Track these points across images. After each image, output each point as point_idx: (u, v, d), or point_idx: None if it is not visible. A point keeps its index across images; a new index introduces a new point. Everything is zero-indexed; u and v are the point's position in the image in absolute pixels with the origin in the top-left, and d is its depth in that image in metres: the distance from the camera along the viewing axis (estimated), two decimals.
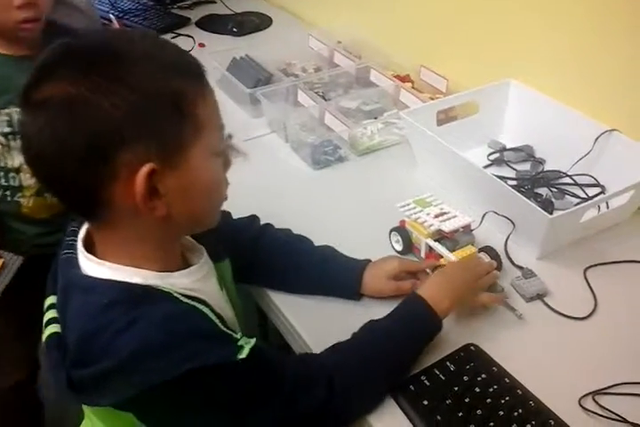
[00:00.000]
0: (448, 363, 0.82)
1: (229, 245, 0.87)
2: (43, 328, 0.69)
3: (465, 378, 0.80)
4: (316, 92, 1.44)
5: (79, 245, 0.70)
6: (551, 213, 0.98)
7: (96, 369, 0.60)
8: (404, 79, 1.47)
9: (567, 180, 1.16)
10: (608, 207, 1.05)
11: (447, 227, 0.94)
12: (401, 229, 1.01)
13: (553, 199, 1.11)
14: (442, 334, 0.86)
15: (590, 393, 0.79)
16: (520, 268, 0.98)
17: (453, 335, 0.87)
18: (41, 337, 0.69)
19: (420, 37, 1.54)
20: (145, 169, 0.59)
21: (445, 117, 1.28)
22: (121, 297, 0.63)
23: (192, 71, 0.64)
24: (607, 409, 0.77)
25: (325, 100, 1.42)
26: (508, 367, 0.82)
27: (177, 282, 0.69)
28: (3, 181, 1.14)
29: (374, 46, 1.61)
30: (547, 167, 1.21)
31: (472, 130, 1.26)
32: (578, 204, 1.10)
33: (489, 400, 0.77)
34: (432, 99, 1.36)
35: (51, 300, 0.71)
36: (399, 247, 1.02)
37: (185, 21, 1.99)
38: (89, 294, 0.64)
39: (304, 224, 1.03)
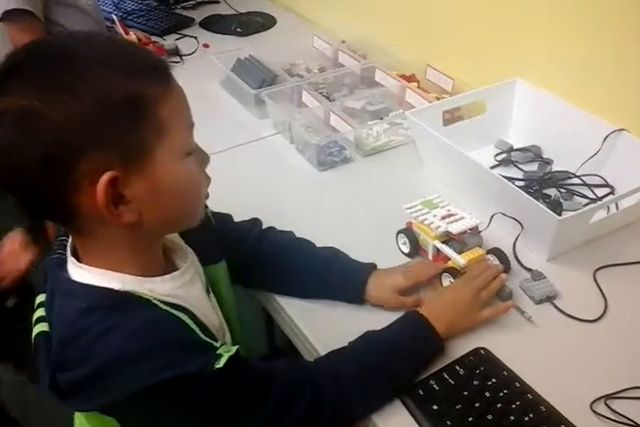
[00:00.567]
0: (457, 367, 0.81)
1: (231, 249, 0.86)
2: (32, 326, 0.69)
3: (475, 382, 0.79)
4: (320, 93, 1.43)
5: (68, 246, 0.70)
6: (560, 215, 0.97)
7: (73, 375, 0.61)
8: (409, 79, 1.46)
9: (576, 180, 1.15)
10: (618, 208, 1.04)
11: (455, 229, 0.93)
12: (408, 231, 1.00)
13: (562, 200, 1.09)
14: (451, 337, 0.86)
15: (602, 397, 0.78)
16: (529, 270, 0.97)
17: (463, 339, 0.86)
18: None
19: (426, 37, 1.53)
20: (105, 178, 0.58)
21: (452, 117, 1.27)
22: (98, 303, 0.63)
23: (151, 72, 0.61)
24: (619, 414, 0.76)
25: (330, 100, 1.41)
26: (518, 371, 0.81)
27: (157, 288, 0.68)
28: None
29: (379, 46, 1.60)
30: (555, 168, 1.20)
31: (479, 130, 1.25)
32: (587, 204, 1.09)
33: (499, 405, 0.76)
34: (438, 99, 1.35)
35: (40, 298, 0.71)
36: (406, 249, 1.01)
37: (189, 22, 1.98)
38: (69, 298, 0.65)
39: (309, 226, 1.03)
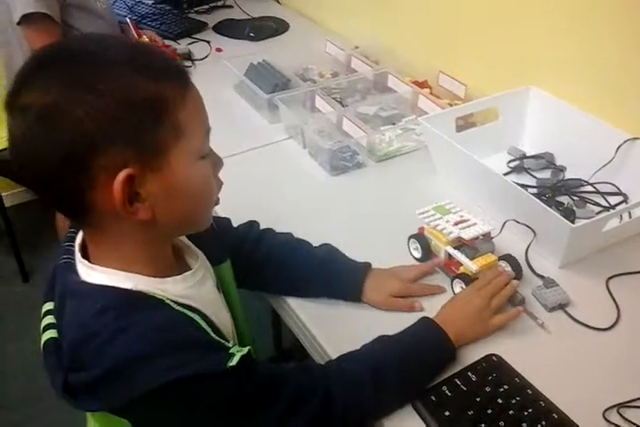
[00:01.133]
0: (470, 373, 0.81)
1: (231, 254, 0.87)
2: (40, 334, 0.70)
3: (487, 389, 0.79)
4: (333, 98, 1.44)
5: (76, 249, 0.70)
6: (573, 222, 0.97)
7: (87, 376, 0.61)
8: (422, 85, 1.47)
9: (588, 188, 1.15)
10: (630, 216, 1.03)
11: (467, 234, 0.93)
12: (420, 237, 1.00)
13: (574, 208, 1.09)
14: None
15: (615, 406, 0.78)
16: (541, 277, 0.97)
17: (474, 345, 0.86)
18: None
19: (439, 43, 1.53)
20: (122, 175, 0.59)
21: (464, 124, 1.28)
22: (112, 303, 0.63)
23: (171, 75, 0.63)
24: (632, 423, 0.76)
25: (343, 105, 1.42)
26: (530, 378, 0.81)
27: (169, 288, 0.68)
28: None
29: (392, 52, 1.61)
30: (567, 175, 1.20)
31: (491, 137, 1.25)
32: (599, 212, 1.09)
33: (511, 412, 0.76)
34: (450, 105, 1.35)
35: (47, 306, 0.71)
36: (418, 255, 1.01)
37: (202, 26, 2.00)
38: (81, 300, 0.65)
39: (321, 231, 1.03)
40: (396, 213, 1.12)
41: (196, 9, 2.13)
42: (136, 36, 1.75)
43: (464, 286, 0.92)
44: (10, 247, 2.25)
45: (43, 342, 0.69)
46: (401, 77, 1.47)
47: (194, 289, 0.72)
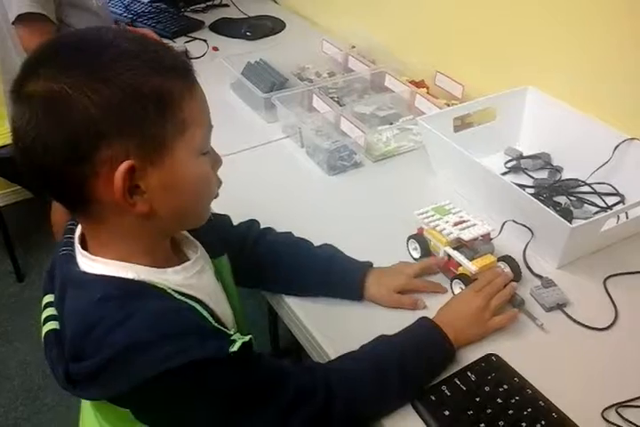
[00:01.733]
0: (469, 373, 0.82)
1: (231, 252, 0.87)
2: (41, 326, 0.70)
3: (486, 389, 0.79)
4: (330, 97, 1.44)
5: (75, 241, 0.70)
6: (570, 222, 0.97)
7: (90, 364, 0.61)
8: (419, 85, 1.47)
9: (586, 188, 1.16)
10: (627, 217, 1.04)
11: (466, 235, 0.93)
12: (419, 237, 1.00)
13: (572, 208, 1.10)
14: None
15: (613, 405, 0.78)
16: (539, 277, 0.97)
17: (474, 345, 0.86)
18: None
19: (436, 43, 1.53)
20: (124, 166, 0.59)
21: (462, 124, 1.28)
22: (114, 292, 0.64)
23: (177, 70, 0.63)
24: (631, 422, 0.76)
25: (340, 105, 1.42)
26: (529, 378, 0.81)
27: (170, 278, 0.69)
28: None
29: (389, 51, 1.61)
30: (564, 175, 1.21)
31: (489, 137, 1.25)
32: (597, 213, 1.10)
33: (511, 411, 0.77)
34: (448, 105, 1.35)
35: (48, 298, 0.72)
36: (417, 255, 1.01)
37: (198, 25, 1.99)
38: (83, 290, 0.65)
39: (319, 230, 1.03)
40: (393, 212, 1.12)
41: (192, 7, 2.12)
42: None
43: (463, 287, 0.92)
44: (4, 247, 2.24)
45: (43, 333, 0.69)
46: (398, 77, 1.47)
47: (194, 279, 0.73)
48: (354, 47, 1.67)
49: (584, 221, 0.94)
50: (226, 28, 1.97)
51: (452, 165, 1.16)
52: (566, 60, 1.21)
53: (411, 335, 0.83)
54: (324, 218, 1.13)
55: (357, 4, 1.78)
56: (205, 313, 0.68)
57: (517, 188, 1.01)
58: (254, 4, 2.13)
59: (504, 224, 1.02)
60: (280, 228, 1.01)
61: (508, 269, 0.95)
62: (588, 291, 0.96)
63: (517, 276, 0.95)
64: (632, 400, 0.79)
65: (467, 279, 0.92)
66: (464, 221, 0.96)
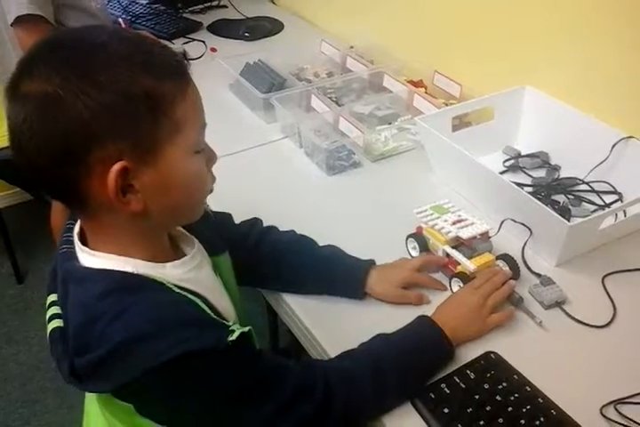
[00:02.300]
0: (468, 371, 0.82)
1: (232, 248, 0.87)
2: (46, 325, 0.70)
3: (485, 386, 0.80)
4: (329, 98, 1.44)
5: (75, 238, 0.71)
6: (568, 221, 0.98)
7: (92, 357, 0.62)
8: (417, 84, 1.47)
9: (584, 186, 1.16)
10: (625, 215, 1.04)
11: (465, 234, 0.94)
12: (418, 236, 1.01)
13: (570, 206, 1.10)
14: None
15: (612, 402, 0.78)
16: (538, 275, 0.98)
17: (473, 343, 0.87)
18: None
19: (434, 43, 1.54)
20: (116, 167, 0.60)
21: (460, 123, 1.29)
22: (114, 286, 0.65)
23: (170, 69, 0.64)
24: (629, 419, 0.77)
25: (339, 105, 1.42)
26: (528, 375, 0.81)
27: (169, 273, 0.70)
28: None
29: (387, 51, 1.61)
30: (562, 174, 1.21)
31: (487, 136, 1.26)
32: (594, 211, 1.10)
33: (510, 409, 0.77)
34: (446, 104, 1.36)
35: (52, 297, 0.72)
36: (416, 254, 1.01)
37: (197, 26, 2.00)
38: (84, 284, 0.66)
39: (319, 230, 1.03)
40: (392, 212, 1.13)
41: (190, 9, 2.13)
42: None
43: (462, 285, 0.93)
44: (4, 249, 2.24)
45: (48, 331, 0.70)
46: (396, 77, 1.47)
47: (193, 273, 0.73)
48: (352, 47, 1.68)
49: (582, 220, 0.95)
50: (224, 29, 1.98)
51: (451, 165, 1.17)
52: (564, 60, 1.22)
53: (409, 334, 0.83)
54: (323, 218, 1.13)
55: (355, 5, 1.78)
56: (205, 306, 0.69)
57: (516, 186, 1.01)
58: (252, 5, 2.14)
59: (502, 223, 1.02)
60: (279, 228, 1.01)
61: (506, 268, 0.96)
62: (586, 289, 0.97)
63: (516, 274, 0.96)
64: (630, 397, 0.79)
65: (465, 278, 0.92)
66: (462, 220, 0.97)
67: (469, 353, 0.85)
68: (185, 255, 0.75)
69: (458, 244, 0.96)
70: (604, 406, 0.78)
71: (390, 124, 1.37)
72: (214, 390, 0.66)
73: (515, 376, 0.81)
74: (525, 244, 1.02)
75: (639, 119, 1.11)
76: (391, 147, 1.33)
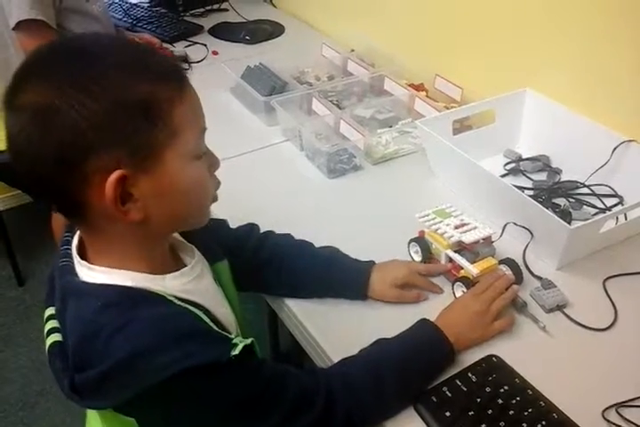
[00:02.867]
0: (470, 374, 0.82)
1: (231, 256, 0.87)
2: (44, 339, 0.70)
3: (487, 389, 0.80)
4: (330, 101, 1.45)
5: (73, 252, 0.70)
6: (570, 224, 0.98)
7: (94, 372, 0.61)
8: (418, 88, 1.48)
9: (584, 190, 1.16)
10: (626, 218, 1.04)
11: (468, 238, 0.94)
12: (420, 240, 1.01)
13: (571, 210, 1.10)
14: None
15: (614, 405, 0.78)
16: (539, 278, 0.98)
17: (474, 347, 0.87)
18: None
19: (435, 46, 1.54)
20: (114, 176, 0.59)
21: (461, 127, 1.29)
22: (113, 300, 0.64)
23: (166, 75, 0.63)
24: (631, 422, 0.77)
25: (340, 108, 1.42)
26: (529, 379, 0.81)
27: (169, 284, 0.69)
28: None
29: (388, 55, 1.61)
30: (563, 177, 1.21)
31: (488, 139, 1.26)
32: (595, 214, 1.10)
33: (512, 412, 0.77)
34: (447, 108, 1.36)
35: (49, 311, 0.71)
36: (418, 258, 1.01)
37: (198, 29, 2.00)
38: (83, 299, 0.65)
39: (319, 233, 1.03)
40: (394, 215, 1.13)
41: (191, 12, 2.13)
42: None
43: (465, 290, 0.92)
44: (4, 251, 2.24)
45: (47, 346, 0.69)
46: (397, 80, 1.48)
47: (193, 284, 0.73)
48: (353, 51, 1.68)
49: (583, 223, 0.95)
50: (225, 32, 1.98)
51: (452, 168, 1.17)
52: (565, 63, 1.22)
53: (410, 338, 0.83)
54: (324, 221, 1.13)
55: (356, 8, 1.79)
56: (206, 318, 0.68)
57: (517, 190, 1.01)
58: (253, 9, 2.14)
59: (505, 227, 1.02)
60: (280, 231, 1.01)
61: (509, 272, 0.96)
62: (587, 292, 0.97)
63: (519, 278, 0.96)
64: (632, 400, 0.79)
65: (468, 282, 0.92)
66: (465, 224, 0.97)
67: (471, 356, 0.85)
68: (185, 265, 0.75)
69: (460, 248, 0.96)
70: (605, 409, 0.78)
71: (391, 127, 1.37)
72: (218, 403, 0.65)
73: (516, 380, 0.81)
74: (527, 247, 1.02)
75: None
76: (392, 150, 1.33)
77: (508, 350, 0.86)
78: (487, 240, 0.96)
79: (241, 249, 0.94)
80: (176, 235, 0.79)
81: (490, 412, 0.77)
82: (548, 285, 0.95)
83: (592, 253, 1.03)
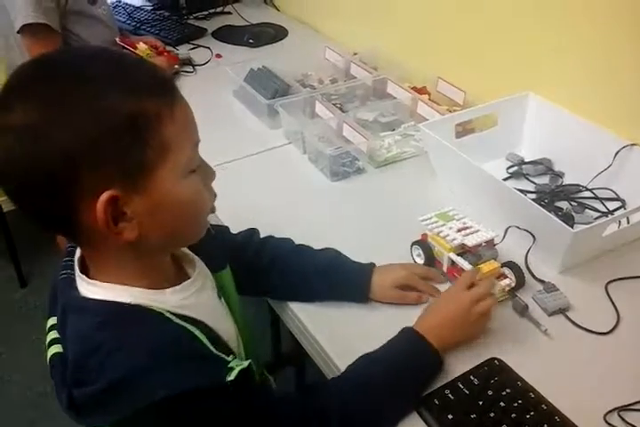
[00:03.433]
0: (472, 377, 0.82)
1: (232, 261, 0.87)
2: (46, 349, 0.70)
3: (489, 392, 0.80)
4: (333, 104, 1.45)
5: (75, 265, 0.70)
6: (572, 228, 0.98)
7: (89, 390, 0.61)
8: (420, 91, 1.48)
9: (587, 193, 1.16)
10: (629, 222, 1.05)
11: (470, 241, 0.94)
12: (422, 243, 1.01)
13: (573, 213, 1.10)
14: (465, 347, 0.87)
15: (616, 409, 0.79)
16: (542, 282, 0.98)
17: (476, 349, 0.87)
18: None
19: (437, 49, 1.55)
20: (104, 196, 0.58)
21: (463, 130, 1.29)
22: (111, 318, 0.63)
23: (154, 89, 0.61)
24: (633, 426, 0.77)
25: (343, 111, 1.43)
26: (531, 382, 0.82)
27: (168, 300, 0.68)
28: None
29: (390, 58, 1.62)
30: (566, 181, 1.21)
31: (490, 143, 1.26)
32: (598, 218, 1.11)
33: (514, 415, 0.77)
34: (449, 111, 1.36)
35: (52, 321, 0.71)
36: (420, 261, 1.02)
37: (201, 32, 2.01)
38: (82, 315, 0.65)
39: (322, 236, 1.04)
40: (396, 218, 1.13)
41: (195, 15, 2.14)
42: (132, 48, 1.75)
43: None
44: (8, 252, 2.25)
45: (49, 357, 0.69)
46: (400, 84, 1.48)
47: (193, 298, 0.72)
48: (356, 54, 1.69)
49: (585, 226, 0.95)
50: (229, 35, 1.99)
51: (455, 171, 1.17)
52: (567, 67, 1.23)
53: (396, 351, 0.82)
54: (326, 224, 1.14)
55: (359, 12, 1.79)
56: (204, 338, 0.67)
57: (519, 193, 1.01)
58: (256, 12, 2.15)
59: (507, 230, 1.03)
60: (283, 234, 1.02)
61: (511, 275, 0.96)
62: (589, 295, 0.97)
63: (521, 282, 0.96)
64: (634, 404, 0.79)
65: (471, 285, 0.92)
66: (467, 228, 0.97)
67: (473, 359, 0.85)
68: (188, 276, 0.74)
69: (463, 251, 0.96)
70: (607, 412, 0.78)
71: (394, 130, 1.38)
72: (211, 425, 0.64)
73: (518, 383, 0.82)
74: (529, 250, 1.02)
75: None
76: (395, 153, 1.33)
77: (511, 354, 0.86)
78: (489, 243, 0.96)
79: (242, 254, 0.95)
80: None
81: (492, 415, 0.77)
82: (550, 288, 0.95)
83: (594, 257, 1.03)
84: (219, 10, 2.17)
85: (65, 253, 0.73)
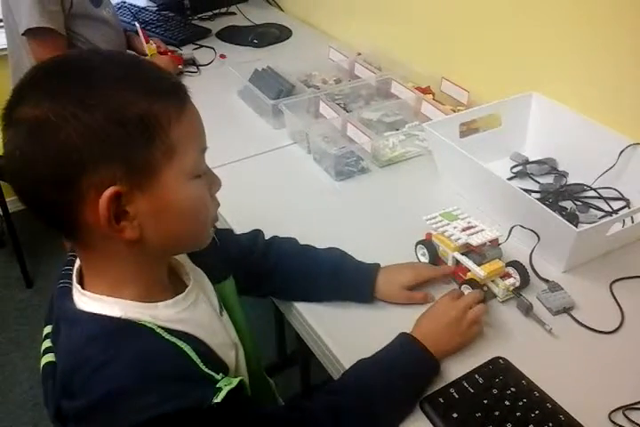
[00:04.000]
0: (477, 376, 0.82)
1: (237, 262, 0.87)
2: (40, 357, 0.70)
3: (494, 391, 0.80)
4: (337, 104, 1.45)
5: (74, 275, 0.69)
6: (576, 227, 0.98)
7: (75, 405, 0.61)
8: (424, 91, 1.48)
9: (591, 193, 1.17)
10: (633, 221, 1.05)
11: (475, 241, 0.94)
12: (427, 242, 1.01)
13: (577, 212, 1.11)
14: (469, 347, 0.87)
15: (621, 408, 0.79)
16: (546, 281, 0.98)
17: (481, 348, 0.87)
18: None
19: (441, 49, 1.55)
20: (108, 192, 0.58)
21: (467, 130, 1.29)
22: (100, 332, 0.63)
23: (165, 92, 0.62)
24: (638, 425, 0.77)
25: (347, 111, 1.43)
26: (536, 381, 0.82)
27: (160, 314, 0.67)
28: None
29: (394, 58, 1.62)
30: (570, 180, 1.21)
31: (494, 142, 1.27)
32: (602, 217, 1.11)
33: (519, 414, 0.78)
34: (453, 111, 1.37)
35: (47, 329, 0.71)
36: (425, 260, 1.02)
37: (205, 33, 2.01)
38: (72, 328, 0.65)
39: (327, 236, 1.04)
40: (401, 217, 1.13)
41: (199, 16, 2.15)
42: (144, 42, 1.76)
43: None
44: (13, 253, 2.26)
45: (42, 365, 0.69)
46: (404, 83, 1.48)
47: (187, 312, 0.71)
48: (360, 54, 1.69)
49: (590, 226, 0.95)
50: (233, 35, 2.00)
51: (459, 171, 1.17)
52: (571, 66, 1.23)
53: (392, 357, 0.82)
54: (331, 223, 1.14)
55: (364, 12, 1.80)
56: (194, 355, 0.65)
57: (524, 193, 1.02)
58: (261, 12, 2.16)
59: (512, 229, 1.03)
60: (287, 233, 1.02)
61: (516, 275, 0.96)
62: (594, 295, 0.97)
63: (525, 281, 0.96)
64: (639, 403, 0.79)
65: (475, 284, 0.93)
66: (472, 227, 0.97)
67: (478, 358, 0.86)
68: (183, 289, 0.73)
69: (467, 250, 0.96)
70: (612, 411, 0.79)
71: (398, 130, 1.38)
72: None
73: (523, 381, 0.82)
74: (533, 250, 1.03)
75: None
76: (399, 153, 1.33)
77: (515, 353, 0.86)
78: (494, 243, 0.97)
79: (247, 256, 0.95)
80: (183, 256, 0.78)
81: (497, 413, 0.78)
82: (554, 287, 0.95)
83: (599, 256, 1.03)
84: (223, 10, 2.17)
85: (65, 262, 0.73)
